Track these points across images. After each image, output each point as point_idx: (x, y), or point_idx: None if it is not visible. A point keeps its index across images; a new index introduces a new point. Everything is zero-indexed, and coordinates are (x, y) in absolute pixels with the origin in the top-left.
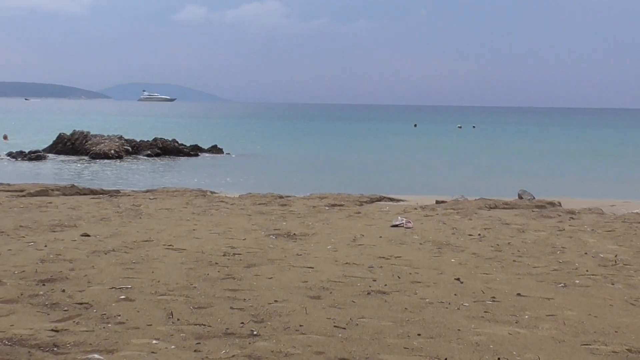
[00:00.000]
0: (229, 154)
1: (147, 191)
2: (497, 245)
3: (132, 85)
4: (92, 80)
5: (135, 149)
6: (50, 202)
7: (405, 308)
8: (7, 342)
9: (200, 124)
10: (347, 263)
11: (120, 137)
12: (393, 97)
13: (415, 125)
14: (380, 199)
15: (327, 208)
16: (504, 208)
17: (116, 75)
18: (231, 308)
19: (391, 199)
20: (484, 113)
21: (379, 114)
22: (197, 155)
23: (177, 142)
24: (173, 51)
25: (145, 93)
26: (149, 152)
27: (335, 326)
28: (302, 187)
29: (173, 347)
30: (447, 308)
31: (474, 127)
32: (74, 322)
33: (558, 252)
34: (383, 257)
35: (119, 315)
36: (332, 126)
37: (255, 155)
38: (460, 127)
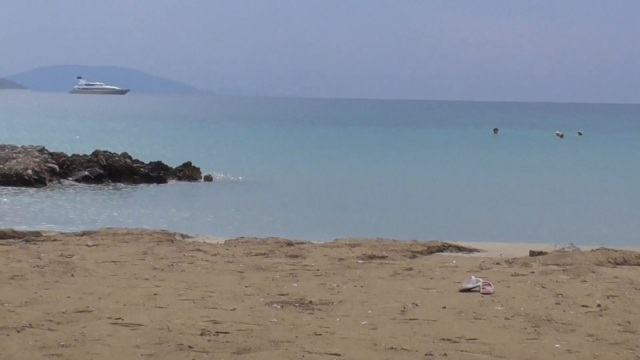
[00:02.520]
0: (209, 177)
1: (84, 234)
2: (628, 323)
3: (59, 70)
4: None
5: (65, 168)
6: None
7: None
8: None
9: (167, 130)
10: (392, 348)
11: (42, 150)
12: (453, 91)
13: (495, 131)
14: (443, 247)
15: (360, 262)
16: (637, 264)
17: (35, 55)
18: None
19: (459, 248)
20: (585, 112)
21: (434, 113)
22: (162, 179)
23: (129, 157)
24: (125, 21)
25: (82, 81)
26: (86, 173)
27: None
28: (321, 228)
29: None
30: None
31: (579, 133)
32: None
33: None
34: (448, 340)
35: None
36: (364, 133)
37: (249, 180)
38: (560, 135)
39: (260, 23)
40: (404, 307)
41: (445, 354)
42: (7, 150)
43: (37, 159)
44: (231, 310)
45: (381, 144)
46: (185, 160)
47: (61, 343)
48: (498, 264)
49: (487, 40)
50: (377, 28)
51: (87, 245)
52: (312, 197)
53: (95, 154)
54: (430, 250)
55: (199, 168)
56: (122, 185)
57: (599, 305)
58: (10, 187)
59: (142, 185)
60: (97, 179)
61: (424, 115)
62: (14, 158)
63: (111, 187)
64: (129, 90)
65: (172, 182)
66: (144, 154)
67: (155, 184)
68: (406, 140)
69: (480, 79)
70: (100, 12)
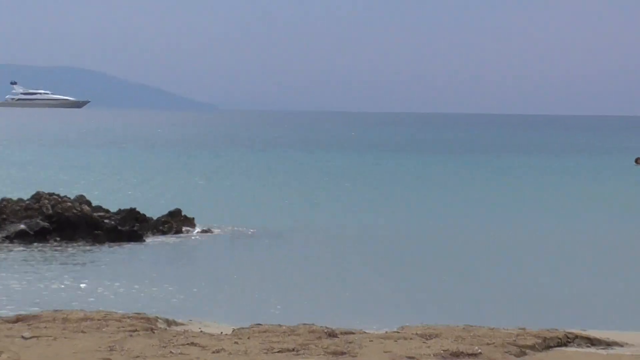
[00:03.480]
0: (207, 231)
1: (18, 320)
2: None
3: None
4: None
5: None
6: None
7: None
8: None
9: (144, 162)
10: None
11: None
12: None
13: (637, 161)
14: (567, 340)
15: None
16: None
17: None
18: None
19: (592, 341)
20: None
21: (526, 133)
22: (137, 235)
23: (88, 203)
24: (86, 5)
25: (18, 89)
26: (22, 227)
27: None
28: (377, 309)
29: None
30: None
31: None
32: None
33: None
34: None
35: None
36: (425, 162)
37: (262, 233)
38: None
39: (268, 25)
40: None
41: None
42: None
43: None
44: None
45: (457, 177)
46: (172, 207)
47: None
48: None
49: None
50: (421, 27)
51: (23, 338)
52: (358, 260)
53: (37, 197)
54: (547, 343)
55: (193, 218)
56: (77, 245)
57: None
58: None
59: (107, 245)
60: (38, 236)
61: (515, 136)
62: None
63: (60, 248)
64: (88, 101)
65: (152, 240)
66: (111, 199)
67: (126, 242)
68: (497, 171)
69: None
70: None
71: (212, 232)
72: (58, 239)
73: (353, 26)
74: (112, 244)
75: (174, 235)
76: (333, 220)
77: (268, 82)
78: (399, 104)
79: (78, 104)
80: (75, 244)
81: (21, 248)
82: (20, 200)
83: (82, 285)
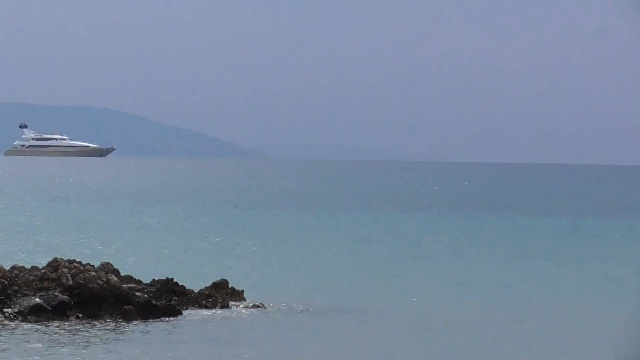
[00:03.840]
0: (259, 306)
1: None
2: None
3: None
4: None
5: (0, 293)
6: None
7: None
8: None
9: (186, 222)
10: None
11: None
12: None
13: None
14: None
15: None
16: None
17: None
18: None
19: None
20: None
21: None
22: (173, 309)
23: (115, 273)
24: (108, 40)
25: (28, 133)
26: (38, 301)
27: None
28: None
29: None
30: None
31: None
32: None
33: None
34: None
35: None
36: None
37: (329, 312)
38: None
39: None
40: None
41: None
42: None
43: None
44: None
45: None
46: (217, 278)
47: None
48: None
49: None
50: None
51: None
52: (442, 347)
53: (55, 266)
54: None
55: (242, 291)
56: (103, 322)
57: None
58: None
59: (137, 321)
60: (57, 311)
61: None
62: None
63: (82, 326)
64: (114, 148)
65: (190, 313)
66: (143, 268)
67: (162, 318)
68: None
69: None
70: (72, 27)
71: (264, 308)
72: (80, 315)
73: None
74: (143, 321)
75: (220, 309)
76: (415, 298)
77: (323, 129)
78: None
79: (101, 152)
80: (100, 322)
81: (36, 326)
82: (34, 268)
83: None
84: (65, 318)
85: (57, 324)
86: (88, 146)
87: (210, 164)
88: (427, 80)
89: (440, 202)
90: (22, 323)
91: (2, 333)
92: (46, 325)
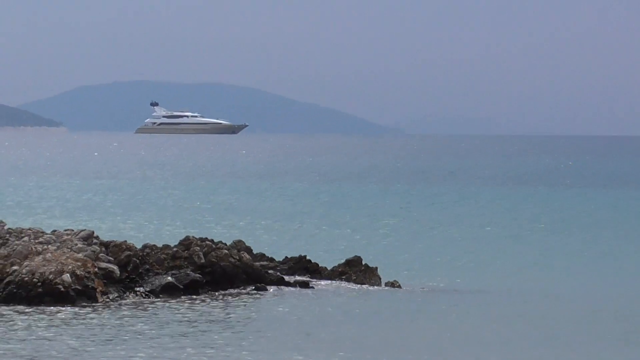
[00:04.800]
0: (394, 284)
1: None
2: None
3: (115, 90)
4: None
5: (132, 270)
6: None
7: None
8: None
9: (320, 199)
10: None
11: (90, 238)
12: None
13: None
14: None
15: None
16: None
17: (87, 67)
18: None
19: None
20: None
21: None
22: (305, 284)
23: (248, 250)
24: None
25: (161, 111)
26: (169, 280)
27: None
28: None
29: None
30: None
31: None
32: None
33: None
34: None
35: None
36: None
37: (473, 293)
38: None
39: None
40: None
41: None
42: (25, 238)
43: (80, 255)
44: None
45: None
46: (349, 255)
47: None
48: None
49: None
50: None
51: None
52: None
53: (186, 244)
54: None
55: (376, 268)
56: (235, 294)
57: None
58: (31, 308)
59: (272, 292)
60: (189, 289)
61: None
62: (39, 253)
63: (216, 301)
64: (246, 125)
65: (323, 289)
66: (276, 245)
67: (296, 287)
68: None
69: None
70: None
71: (400, 287)
72: (211, 290)
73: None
74: (276, 290)
75: (353, 286)
76: (570, 281)
77: (460, 104)
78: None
79: (233, 129)
80: (233, 297)
81: (170, 304)
82: (166, 246)
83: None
84: (198, 295)
85: (190, 303)
86: (220, 123)
87: (348, 142)
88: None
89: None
90: (154, 299)
91: (135, 312)
92: (180, 305)
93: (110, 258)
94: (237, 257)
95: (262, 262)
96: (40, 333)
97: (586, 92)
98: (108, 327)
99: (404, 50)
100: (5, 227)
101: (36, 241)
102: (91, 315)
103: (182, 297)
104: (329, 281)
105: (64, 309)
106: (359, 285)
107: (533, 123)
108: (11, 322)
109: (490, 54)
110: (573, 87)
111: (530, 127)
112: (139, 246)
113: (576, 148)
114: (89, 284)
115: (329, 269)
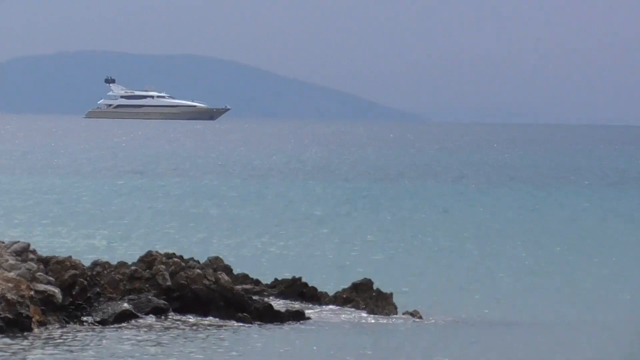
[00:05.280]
0: (413, 314)
1: None
2: None
3: (63, 60)
4: None
5: (78, 295)
6: None
7: None
8: None
9: (315, 202)
10: None
11: (25, 252)
12: None
13: None
14: None
15: None
16: None
17: (24, 34)
18: None
19: None
20: None
21: None
22: (303, 318)
23: (226, 270)
24: None
25: (116, 90)
26: (126, 306)
27: None
28: None
29: None
30: None
31: None
32: None
33: None
34: None
35: None
36: None
37: (501, 325)
38: None
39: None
40: None
41: None
42: None
43: (12, 274)
44: None
45: None
46: (357, 277)
47: None
48: None
49: None
50: None
51: None
52: None
53: (148, 261)
54: None
55: (390, 294)
56: (208, 323)
57: None
58: None
59: (256, 324)
60: (153, 315)
61: None
62: None
63: (183, 336)
64: (227, 109)
65: (324, 320)
66: (260, 263)
67: (290, 322)
68: None
69: None
70: None
71: (420, 318)
72: (177, 316)
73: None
74: (261, 325)
75: (362, 317)
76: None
77: (487, 90)
78: None
79: (211, 114)
80: (204, 324)
81: (126, 335)
82: (122, 264)
83: None
84: (165, 320)
85: (154, 331)
86: (194, 106)
87: (361, 129)
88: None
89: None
90: (104, 330)
91: (79, 346)
92: (137, 336)
93: (51, 278)
94: (213, 279)
95: (244, 286)
96: None
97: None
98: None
99: (421, 36)
100: None
101: None
102: (25, 351)
103: (140, 327)
104: (331, 310)
105: None
106: (369, 315)
107: (560, 111)
108: None
109: (513, 44)
110: (602, 75)
111: (555, 115)
112: (87, 263)
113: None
114: (23, 311)
115: (330, 294)
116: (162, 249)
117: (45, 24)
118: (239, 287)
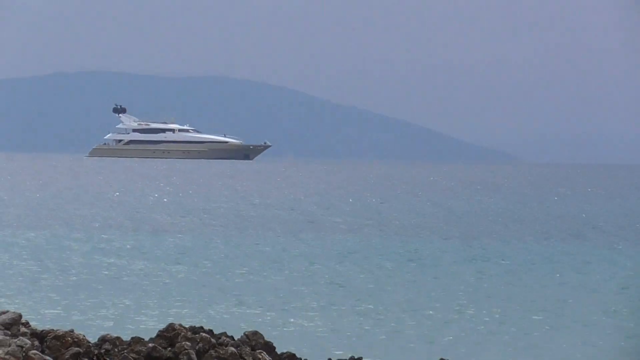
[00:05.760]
0: None
1: None
2: None
3: (74, 79)
4: None
5: None
6: None
7: None
8: None
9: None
10: None
11: (15, 326)
12: None
13: None
14: None
15: None
16: None
17: (13, 52)
18: None
19: None
20: None
21: None
22: None
23: (269, 349)
24: None
25: (130, 121)
26: None
27: None
28: None
29: None
30: None
31: None
32: None
33: None
34: None
35: None
36: None
37: None
38: None
39: None
40: None
41: None
42: None
43: (0, 352)
44: None
45: None
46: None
47: None
48: None
49: None
50: None
51: None
52: None
53: (170, 337)
54: None
55: None
56: None
57: None
58: None
59: None
60: None
61: None
62: None
63: None
64: (267, 146)
65: None
66: (313, 342)
67: None
68: None
69: None
70: None
71: None
72: None
73: None
74: None
75: None
76: None
77: (580, 125)
78: None
79: (247, 152)
80: None
81: None
82: (137, 340)
83: None
84: None
85: None
86: (225, 142)
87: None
88: None
89: None
90: None
91: None
92: None
93: (48, 358)
94: (252, 359)
95: None
96: None
97: None
98: None
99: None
100: None
101: None
102: None
103: None
104: None
105: None
106: None
107: None
108: None
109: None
110: None
111: None
112: (93, 339)
113: None
114: None
115: None
116: (186, 321)
117: (39, 40)
118: None
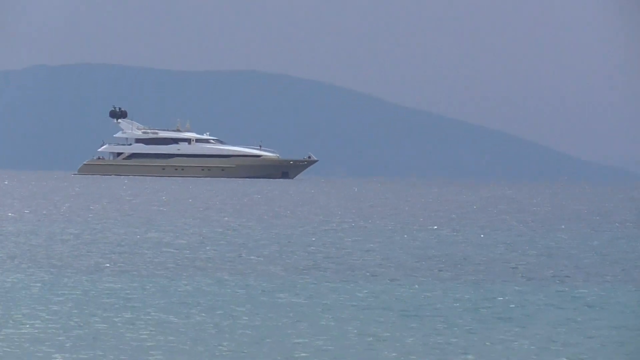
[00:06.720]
0: None
1: None
2: None
3: (68, 71)
4: None
5: None
6: None
7: None
8: None
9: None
10: None
11: None
12: None
13: None
14: None
15: None
16: None
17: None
18: None
19: None
20: None
21: None
22: None
23: None
24: None
25: (134, 129)
26: None
27: None
28: None
29: None
30: None
31: None
32: None
33: None
34: None
35: None
36: None
37: None
38: None
39: None
40: None
41: None
42: None
43: None
44: None
45: None
46: None
47: None
48: None
49: None
50: None
51: None
52: None
53: None
54: None
55: None
56: None
57: None
58: None
59: None
60: None
61: None
62: None
63: None
64: (314, 160)
65: None
66: None
67: None
68: None
69: None
70: None
71: None
72: None
73: None
74: None
75: None
76: None
77: None
78: None
79: (285, 168)
80: None
81: None
82: None
83: None
84: None
85: None
86: (258, 156)
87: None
88: None
89: None
90: None
91: None
92: None
93: None
94: None
95: None
96: None
97: None
98: None
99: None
100: None
101: None
102: None
103: None
104: None
105: None
106: None
107: None
108: None
109: None
110: None
111: None
112: None
113: None
114: None
115: None
116: None
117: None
118: None
